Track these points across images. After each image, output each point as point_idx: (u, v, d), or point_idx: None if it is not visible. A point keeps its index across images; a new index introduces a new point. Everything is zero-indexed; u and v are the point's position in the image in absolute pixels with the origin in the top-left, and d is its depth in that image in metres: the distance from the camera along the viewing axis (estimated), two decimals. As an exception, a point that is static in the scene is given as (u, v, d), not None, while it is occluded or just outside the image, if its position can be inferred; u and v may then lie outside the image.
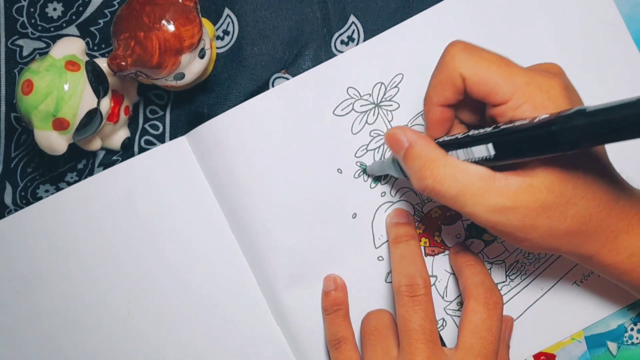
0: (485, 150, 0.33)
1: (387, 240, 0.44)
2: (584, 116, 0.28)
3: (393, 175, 0.41)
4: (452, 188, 0.34)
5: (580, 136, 0.28)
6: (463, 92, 0.35)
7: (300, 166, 0.44)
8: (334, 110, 0.44)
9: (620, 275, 0.37)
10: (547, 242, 0.35)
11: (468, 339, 0.38)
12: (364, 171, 0.44)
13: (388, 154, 0.44)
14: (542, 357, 0.45)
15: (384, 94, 0.44)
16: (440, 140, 0.36)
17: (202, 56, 0.41)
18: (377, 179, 0.44)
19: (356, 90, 0.44)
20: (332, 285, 0.44)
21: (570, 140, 0.29)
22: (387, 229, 0.44)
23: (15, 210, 0.46)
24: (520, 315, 0.45)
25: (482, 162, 0.34)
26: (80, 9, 0.47)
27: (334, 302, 0.44)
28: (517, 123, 0.32)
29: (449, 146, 0.35)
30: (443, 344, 0.40)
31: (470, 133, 0.35)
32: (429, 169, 0.34)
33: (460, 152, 0.35)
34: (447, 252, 0.44)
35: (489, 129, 0.34)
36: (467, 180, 0.34)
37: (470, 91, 0.34)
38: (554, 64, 0.36)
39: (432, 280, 0.44)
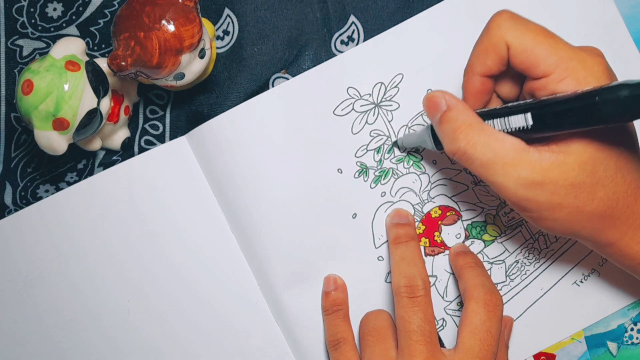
0: (523, 120, 0.33)
1: (387, 240, 0.44)
2: (628, 88, 0.28)
3: (426, 146, 0.41)
4: (485, 155, 0.34)
5: (623, 109, 0.28)
6: (506, 62, 0.35)
7: (301, 166, 0.44)
8: (334, 110, 0.44)
9: (637, 267, 0.36)
10: (571, 224, 0.34)
11: (467, 340, 0.38)
12: (394, 144, 0.44)
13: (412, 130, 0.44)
14: (542, 357, 0.45)
15: (384, 94, 0.44)
16: (478, 111, 0.36)
17: (202, 56, 0.41)
18: (377, 179, 0.44)
19: (356, 90, 0.44)
20: (332, 286, 0.44)
21: (613, 112, 0.29)
22: (387, 229, 0.44)
23: (16, 210, 0.46)
24: (521, 315, 0.45)
25: (518, 133, 0.34)
26: (80, 9, 0.47)
27: (334, 303, 0.44)
28: (558, 95, 0.32)
29: (485, 116, 0.35)
30: (442, 345, 0.40)
31: (509, 104, 0.35)
32: (463, 131, 0.34)
33: (497, 121, 0.35)
34: (447, 252, 0.44)
35: (528, 101, 0.34)
36: (501, 149, 0.34)
37: (514, 61, 0.34)
38: (595, 47, 0.35)
39: (432, 280, 0.44)
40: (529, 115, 0.33)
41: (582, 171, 0.33)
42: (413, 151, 0.44)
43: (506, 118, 0.34)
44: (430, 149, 0.41)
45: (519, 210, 0.35)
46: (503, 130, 0.34)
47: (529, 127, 0.33)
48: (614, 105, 0.29)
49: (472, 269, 0.42)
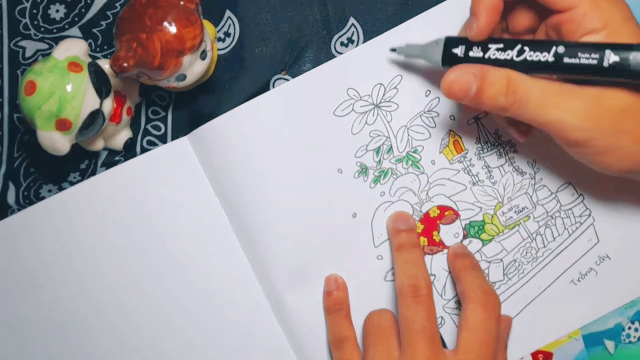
0: (549, 55, 0.34)
1: (388, 240, 0.44)
2: None
3: (429, 60, 0.40)
4: (535, 92, 0.34)
5: None
6: None
7: (301, 166, 0.44)
8: (334, 110, 0.44)
9: None
10: (636, 154, 0.34)
11: (467, 340, 0.38)
12: (393, 50, 0.42)
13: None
14: (540, 356, 0.45)
15: (384, 95, 0.44)
16: (500, 39, 0.36)
17: (203, 57, 0.41)
18: (376, 179, 0.44)
19: (356, 91, 0.44)
20: (333, 285, 0.44)
21: None
22: (388, 233, 0.44)
23: (19, 210, 0.47)
24: (518, 314, 0.45)
25: (540, 69, 0.34)
26: (83, 10, 0.47)
27: (336, 302, 0.44)
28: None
29: (506, 64, 0.35)
30: (444, 346, 0.40)
31: (530, 40, 0.35)
32: (511, 86, 0.34)
33: (531, 53, 0.34)
34: (445, 251, 0.45)
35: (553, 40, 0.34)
36: (550, 84, 0.33)
37: None
38: None
39: (431, 278, 0.45)
40: (561, 47, 0.33)
41: (629, 95, 0.33)
42: (411, 59, 0.43)
43: (537, 52, 0.34)
44: (433, 65, 0.40)
45: (579, 146, 0.34)
46: (530, 65, 0.35)
47: (559, 62, 0.33)
48: None
49: (469, 271, 0.42)
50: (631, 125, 0.33)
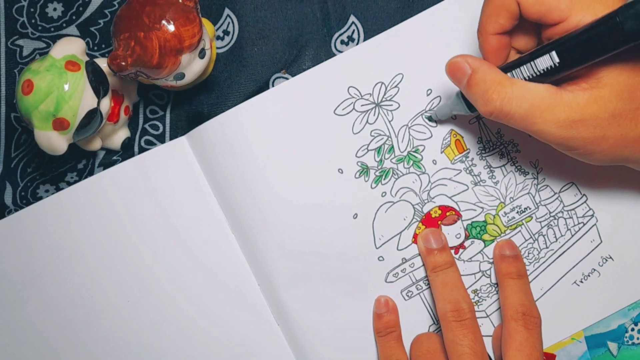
0: (549, 59, 0.33)
1: (390, 241, 0.44)
2: None
3: (460, 112, 0.41)
4: (521, 107, 0.34)
5: None
6: (518, 16, 0.35)
7: (301, 166, 0.44)
8: (335, 109, 0.44)
9: None
10: (618, 151, 0.35)
11: (515, 357, 0.39)
12: (429, 119, 0.44)
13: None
14: (543, 357, 0.45)
15: (384, 93, 0.44)
16: (501, 67, 0.36)
17: (202, 56, 0.41)
18: (377, 179, 0.44)
19: (357, 89, 0.44)
20: (384, 308, 0.44)
21: (636, 27, 0.29)
22: (420, 253, 0.44)
23: (16, 210, 0.46)
24: (521, 315, 0.45)
25: (546, 75, 0.34)
26: (80, 9, 0.47)
27: (387, 325, 0.44)
28: (578, 29, 0.33)
29: (509, 69, 0.36)
30: None
31: (531, 51, 0.35)
32: (495, 90, 0.35)
33: (523, 68, 0.35)
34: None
35: (549, 42, 0.34)
36: (535, 97, 0.34)
37: (526, 14, 0.34)
38: None
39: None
40: (554, 53, 0.33)
41: (619, 100, 0.33)
42: (446, 121, 0.44)
43: (532, 62, 0.34)
44: (465, 114, 0.41)
45: (566, 150, 0.36)
46: (531, 76, 0.35)
47: (556, 65, 0.33)
48: (636, 20, 0.29)
49: (513, 280, 0.42)
50: (614, 131, 0.34)
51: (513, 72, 0.36)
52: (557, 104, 0.34)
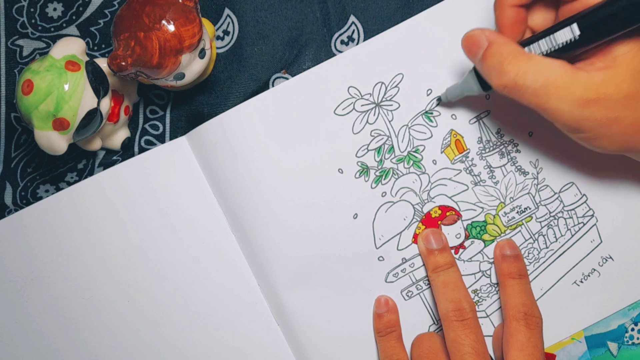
0: (570, 32, 0.33)
1: (390, 241, 0.44)
2: None
3: (471, 91, 0.40)
4: (537, 82, 0.33)
5: None
6: None
7: (301, 166, 0.44)
8: (335, 109, 0.44)
9: None
10: (627, 137, 0.34)
11: (516, 357, 0.39)
12: (439, 100, 0.43)
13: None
14: (544, 357, 0.45)
15: (385, 93, 0.44)
16: (518, 42, 0.36)
17: (202, 56, 0.41)
18: (378, 179, 0.44)
19: (357, 89, 0.44)
20: (384, 308, 0.44)
21: None
22: (420, 253, 0.44)
23: (16, 210, 0.46)
24: (521, 315, 0.45)
25: (564, 50, 0.34)
26: (80, 9, 0.47)
27: (387, 325, 0.44)
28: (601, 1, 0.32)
29: (526, 44, 0.35)
30: None
31: (549, 27, 0.35)
32: (511, 62, 0.34)
33: (542, 42, 0.34)
34: (447, 252, 0.44)
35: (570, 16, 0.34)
36: (551, 73, 0.33)
37: None
38: None
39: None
40: (575, 25, 0.33)
41: (635, 81, 0.33)
42: (455, 104, 0.43)
43: (551, 36, 0.34)
44: (477, 94, 0.40)
45: (574, 132, 0.35)
46: (549, 50, 0.34)
47: (576, 38, 0.33)
48: None
49: (514, 280, 0.42)
50: (627, 113, 0.33)
51: (530, 47, 0.35)
52: (572, 81, 0.33)
